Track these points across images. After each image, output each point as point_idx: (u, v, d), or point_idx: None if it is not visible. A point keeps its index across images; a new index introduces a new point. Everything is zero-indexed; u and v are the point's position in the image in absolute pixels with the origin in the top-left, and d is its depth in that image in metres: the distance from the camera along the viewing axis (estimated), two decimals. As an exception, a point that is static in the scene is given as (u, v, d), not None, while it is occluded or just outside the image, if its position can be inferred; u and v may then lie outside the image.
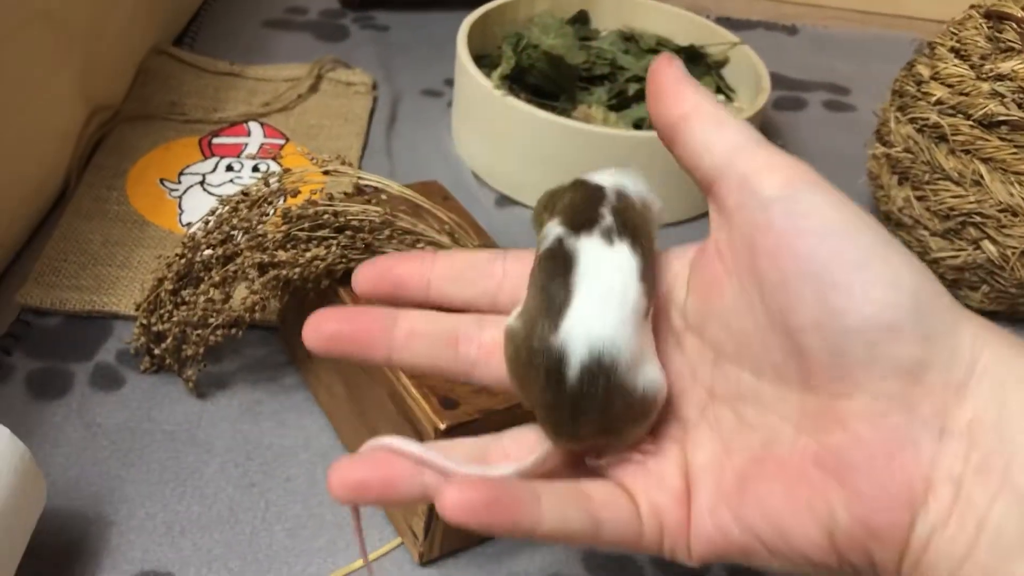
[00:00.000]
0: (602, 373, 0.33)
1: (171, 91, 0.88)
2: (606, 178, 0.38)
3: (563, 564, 0.54)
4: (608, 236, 0.35)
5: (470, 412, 0.48)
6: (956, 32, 0.74)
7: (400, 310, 0.38)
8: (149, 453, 0.57)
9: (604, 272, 0.34)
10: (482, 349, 0.38)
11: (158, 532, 0.53)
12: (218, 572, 0.51)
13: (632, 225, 0.36)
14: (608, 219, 0.35)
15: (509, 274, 0.39)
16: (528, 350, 0.34)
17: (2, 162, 0.66)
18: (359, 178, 0.58)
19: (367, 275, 0.39)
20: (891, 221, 0.78)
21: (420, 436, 0.49)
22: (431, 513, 0.51)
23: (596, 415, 0.33)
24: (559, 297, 0.33)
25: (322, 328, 0.37)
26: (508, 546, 0.55)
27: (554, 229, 0.36)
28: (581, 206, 0.36)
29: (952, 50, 0.73)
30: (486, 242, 0.59)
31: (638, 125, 0.83)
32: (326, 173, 0.58)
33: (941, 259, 0.73)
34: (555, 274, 0.34)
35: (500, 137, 0.82)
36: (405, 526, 0.53)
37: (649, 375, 0.34)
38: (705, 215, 0.85)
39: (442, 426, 0.47)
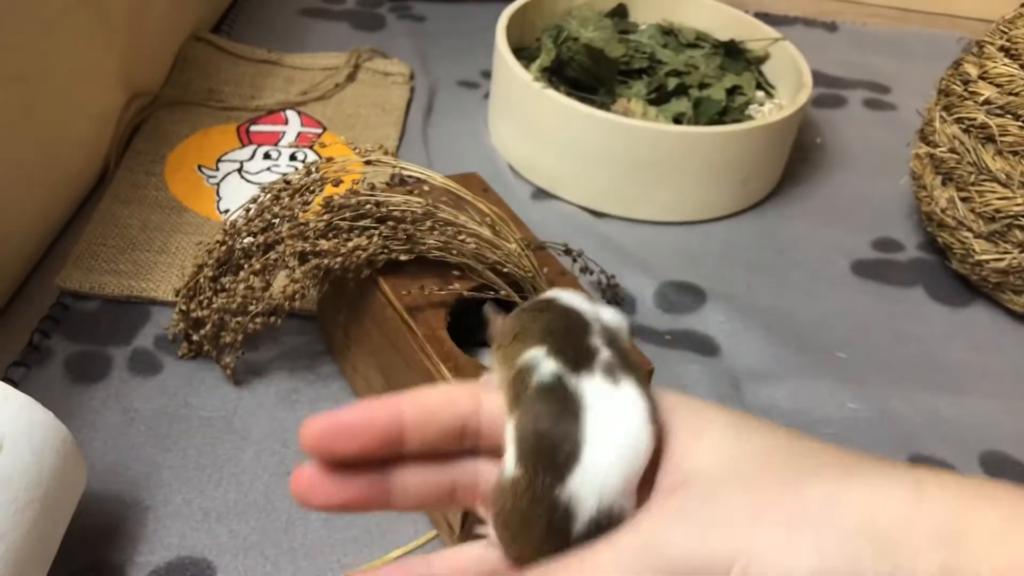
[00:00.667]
0: (611, 525, 0.30)
1: (209, 78, 0.88)
2: (578, 301, 0.34)
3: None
4: (611, 374, 0.31)
5: (510, 406, 0.48)
6: (1006, 31, 0.72)
7: (388, 470, 0.35)
8: (186, 439, 0.57)
9: (616, 421, 0.31)
10: (484, 501, 0.35)
11: (195, 518, 0.53)
12: (254, 560, 0.51)
13: (629, 360, 0.32)
14: (605, 353, 0.32)
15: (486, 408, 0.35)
16: (529, 502, 0.31)
17: (43, 146, 0.66)
18: (401, 168, 0.57)
19: (348, 429, 0.34)
20: (933, 222, 0.77)
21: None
22: (468, 506, 0.50)
23: None
24: (565, 447, 0.30)
25: (313, 503, 0.34)
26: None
27: (544, 362, 0.32)
28: (568, 335, 0.32)
29: (1002, 49, 0.72)
30: (526, 235, 0.59)
31: (678, 120, 0.82)
32: (368, 163, 0.57)
33: (985, 262, 0.72)
34: (558, 419, 0.30)
35: (538, 130, 0.81)
36: (441, 518, 0.53)
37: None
38: (743, 212, 0.85)
39: (482, 419, 0.47)
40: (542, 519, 0.30)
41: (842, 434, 0.64)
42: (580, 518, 0.30)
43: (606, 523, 0.30)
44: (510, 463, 0.31)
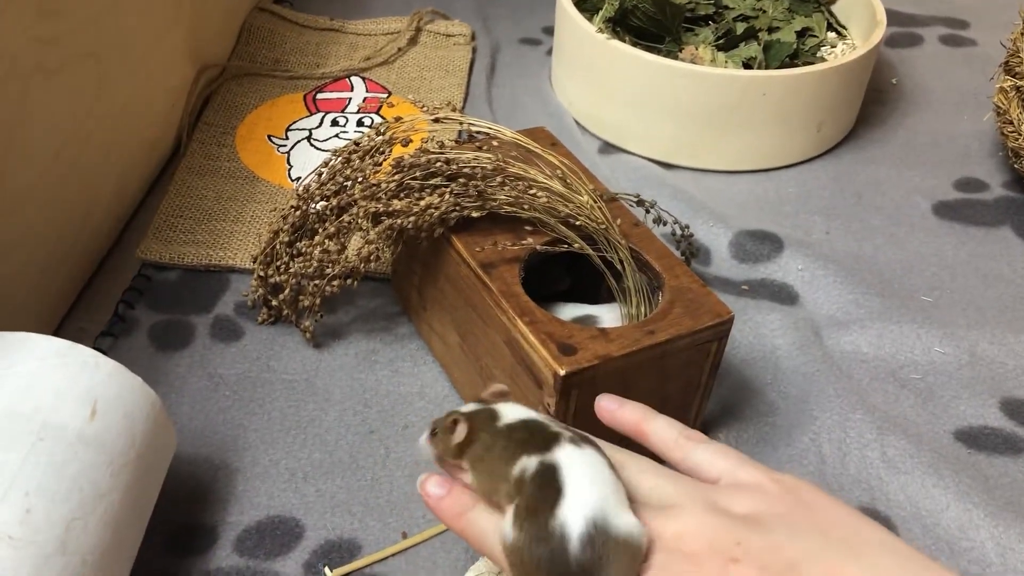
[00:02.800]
0: (599, 535, 0.35)
1: (274, 48, 0.89)
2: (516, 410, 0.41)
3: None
4: (575, 443, 0.38)
5: (589, 358, 0.48)
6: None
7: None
8: (270, 402, 0.58)
9: (584, 465, 0.37)
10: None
11: (282, 479, 0.54)
12: (341, 517, 0.52)
13: (586, 437, 0.39)
14: (567, 434, 0.39)
15: None
16: (530, 541, 0.36)
17: (118, 122, 0.67)
18: (469, 125, 0.57)
19: None
20: (1021, 157, 0.74)
21: (539, 383, 0.48)
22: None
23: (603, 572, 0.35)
24: (550, 497, 0.36)
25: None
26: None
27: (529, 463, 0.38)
28: (534, 434, 0.39)
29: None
30: (598, 186, 0.58)
31: (748, 65, 0.80)
32: (436, 121, 0.57)
33: (1077, 196, 0.69)
34: (543, 487, 0.37)
35: (604, 82, 0.80)
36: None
37: (632, 522, 0.36)
38: (818, 157, 0.83)
39: (562, 372, 0.47)
40: (544, 552, 0.35)
41: (929, 378, 0.62)
42: (573, 538, 0.35)
43: (600, 537, 0.35)
44: (508, 527, 0.37)
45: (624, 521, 0.36)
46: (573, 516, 0.35)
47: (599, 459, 0.38)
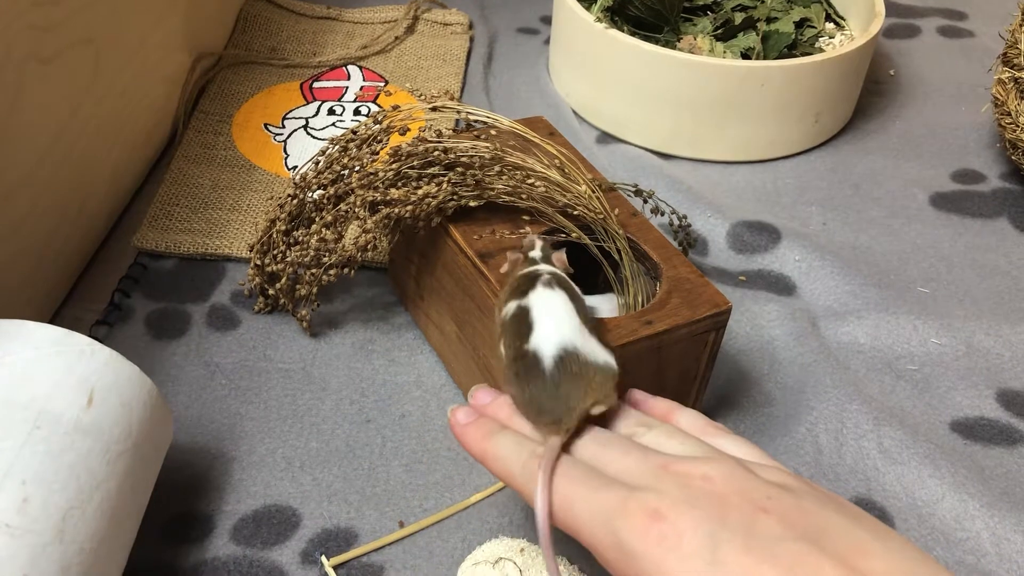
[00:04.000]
0: (570, 359, 0.41)
1: (271, 36, 0.89)
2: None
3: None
4: (549, 286, 0.44)
5: (587, 348, 0.47)
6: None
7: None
8: (266, 391, 0.58)
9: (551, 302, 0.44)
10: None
11: (278, 467, 0.54)
12: (338, 506, 0.52)
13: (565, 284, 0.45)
14: (545, 278, 0.45)
15: None
16: (512, 363, 0.42)
17: (114, 110, 0.67)
18: (467, 113, 0.57)
19: None
20: (1018, 149, 0.74)
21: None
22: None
23: (574, 392, 0.40)
24: (524, 329, 0.42)
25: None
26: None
27: (509, 305, 0.44)
28: (523, 284, 0.45)
29: (1090, -37, 0.68)
30: (596, 176, 0.58)
31: (746, 55, 0.80)
32: (434, 109, 0.57)
33: (1074, 188, 0.69)
34: (519, 323, 0.43)
35: (602, 72, 0.80)
36: (520, 463, 0.53)
37: (602, 356, 0.42)
38: (815, 148, 0.83)
39: (559, 361, 0.47)
40: (523, 366, 0.41)
41: (925, 369, 0.62)
42: (546, 357, 0.41)
43: (566, 357, 0.41)
44: (500, 348, 0.44)
45: (592, 348, 0.42)
46: (544, 344, 0.41)
47: (566, 300, 0.44)
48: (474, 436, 0.41)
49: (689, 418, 0.43)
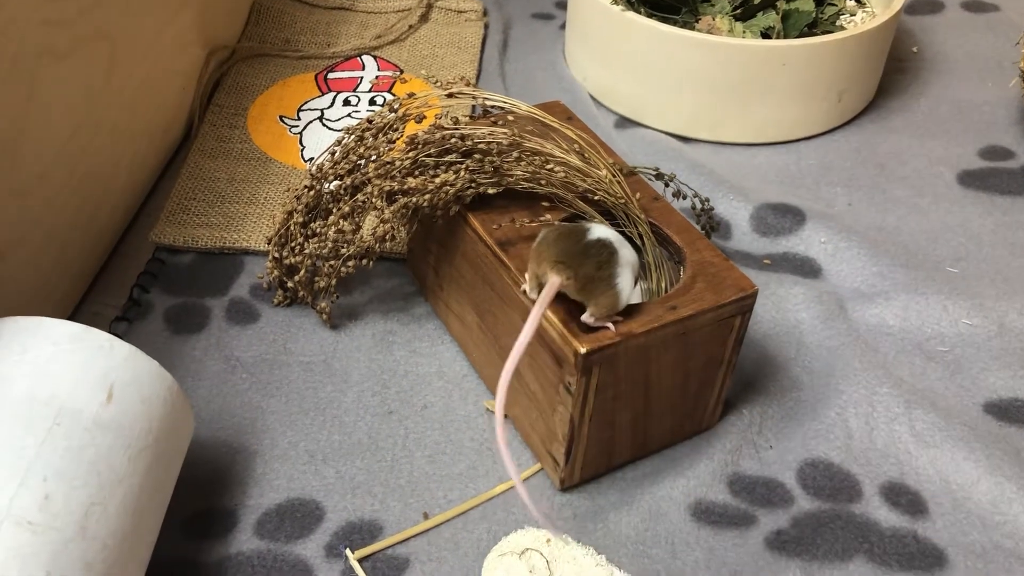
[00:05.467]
0: (605, 247, 0.46)
1: (284, 28, 0.88)
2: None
3: (707, 488, 0.53)
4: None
5: (610, 335, 0.47)
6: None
7: None
8: (287, 384, 0.58)
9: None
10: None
11: (301, 460, 0.53)
12: (362, 499, 0.51)
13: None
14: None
15: None
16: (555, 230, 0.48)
17: (130, 105, 0.67)
18: (484, 99, 0.56)
19: None
20: (1047, 124, 0.73)
21: (559, 361, 0.48)
22: (572, 439, 0.50)
23: (593, 265, 0.46)
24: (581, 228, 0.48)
25: None
26: (649, 471, 0.53)
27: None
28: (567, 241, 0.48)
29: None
30: (616, 160, 0.57)
31: (766, 35, 0.79)
32: (450, 96, 0.56)
33: (1106, 163, 0.67)
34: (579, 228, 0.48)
35: (619, 56, 0.79)
36: (545, 452, 0.52)
37: (624, 285, 0.47)
38: (838, 128, 0.81)
39: (583, 350, 0.46)
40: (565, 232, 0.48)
41: (956, 351, 0.61)
42: (591, 237, 0.47)
43: (603, 243, 0.47)
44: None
45: (625, 276, 0.46)
46: (598, 229, 0.47)
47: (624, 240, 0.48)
48: None
49: None
